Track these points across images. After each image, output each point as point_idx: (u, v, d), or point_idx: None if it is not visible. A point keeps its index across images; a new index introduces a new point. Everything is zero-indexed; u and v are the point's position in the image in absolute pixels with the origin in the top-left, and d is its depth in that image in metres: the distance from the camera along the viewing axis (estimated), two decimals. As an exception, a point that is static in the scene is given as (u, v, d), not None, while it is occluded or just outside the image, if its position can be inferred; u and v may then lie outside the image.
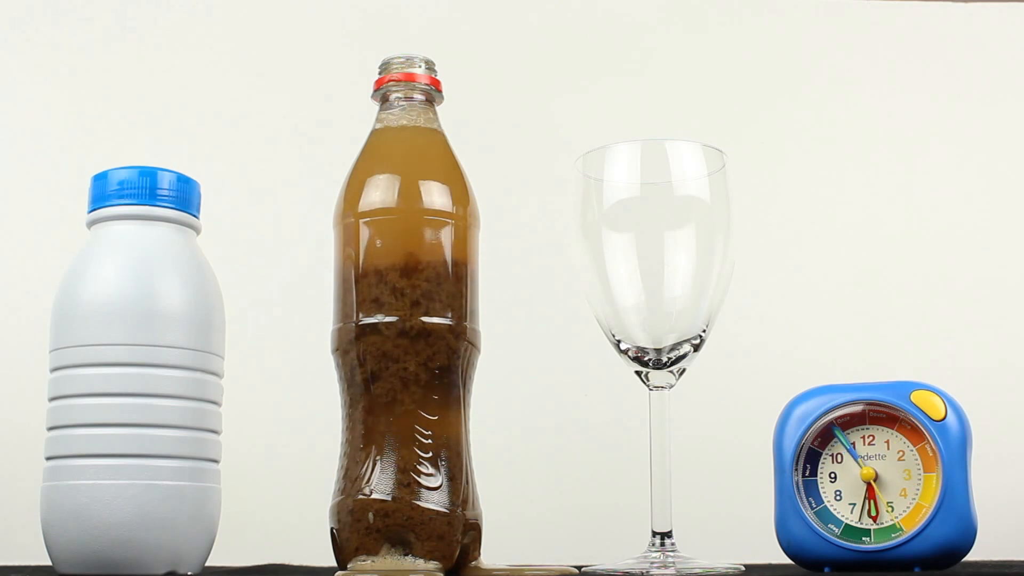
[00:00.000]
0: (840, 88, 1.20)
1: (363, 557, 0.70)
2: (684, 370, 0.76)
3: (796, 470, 0.75)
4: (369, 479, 0.70)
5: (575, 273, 0.77)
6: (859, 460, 0.75)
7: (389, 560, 0.69)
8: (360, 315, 0.73)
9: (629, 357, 0.76)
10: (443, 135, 0.77)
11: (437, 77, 0.77)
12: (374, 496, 0.70)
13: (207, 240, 0.78)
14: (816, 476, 0.75)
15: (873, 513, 0.74)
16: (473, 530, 0.73)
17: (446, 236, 0.74)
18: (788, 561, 0.76)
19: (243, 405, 0.86)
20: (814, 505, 0.75)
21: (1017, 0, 1.23)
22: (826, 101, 1.20)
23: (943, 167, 1.20)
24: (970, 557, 0.74)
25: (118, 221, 0.74)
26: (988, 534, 0.79)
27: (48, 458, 0.72)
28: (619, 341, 0.76)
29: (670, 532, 0.75)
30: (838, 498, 0.75)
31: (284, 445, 1.08)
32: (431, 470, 0.71)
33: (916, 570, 0.72)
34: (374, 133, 0.77)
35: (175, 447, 0.71)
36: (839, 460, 0.75)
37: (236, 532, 0.83)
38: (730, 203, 0.76)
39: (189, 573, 0.72)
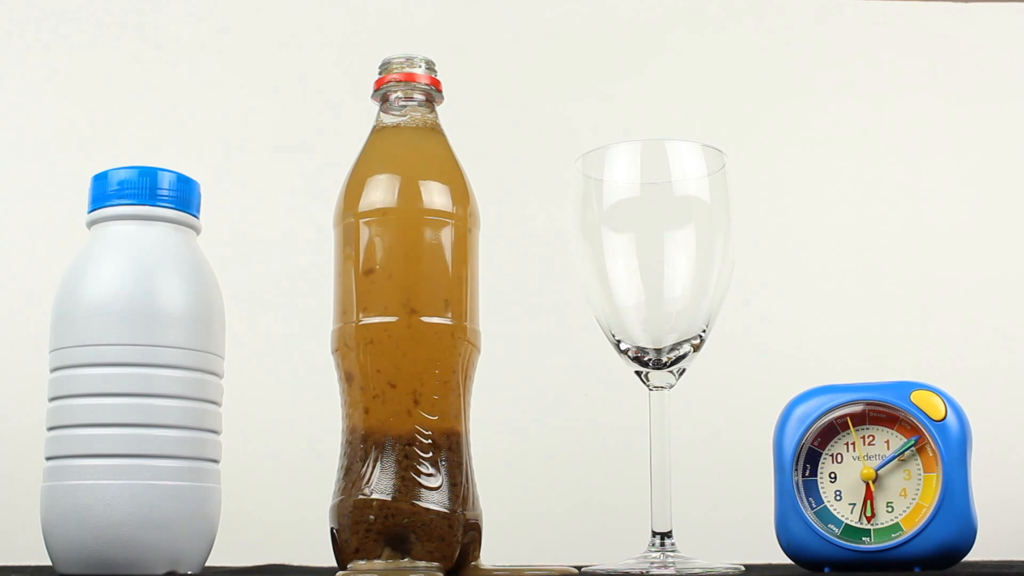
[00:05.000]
0: (840, 88, 1.20)
1: (363, 558, 0.70)
2: (684, 370, 0.76)
3: (796, 470, 0.75)
4: (369, 479, 0.70)
5: (575, 273, 0.77)
6: (859, 459, 0.75)
7: (389, 561, 0.69)
8: (360, 315, 0.73)
9: (629, 357, 0.76)
10: (443, 135, 0.77)
11: (437, 77, 0.77)
12: (374, 496, 0.70)
13: (207, 240, 0.78)
14: (816, 476, 0.75)
15: (869, 513, 0.74)
16: (473, 530, 0.73)
17: (446, 236, 0.74)
18: (788, 561, 0.76)
19: (243, 405, 0.86)
20: (814, 505, 0.75)
21: (1017, 0, 1.23)
22: (826, 101, 1.20)
23: (943, 167, 1.20)
24: (970, 557, 0.74)
25: (118, 221, 0.74)
26: (988, 534, 0.79)
27: (48, 458, 0.72)
28: (619, 341, 0.76)
29: (670, 532, 0.75)
30: (838, 498, 0.75)
31: (284, 445, 1.08)
32: (431, 470, 0.71)
33: (916, 570, 0.72)
34: (374, 133, 0.77)
35: (175, 447, 0.71)
36: (839, 460, 0.75)
37: (236, 532, 0.83)
38: (730, 203, 0.76)
39: (189, 573, 0.72)
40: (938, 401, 0.73)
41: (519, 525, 1.04)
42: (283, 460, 1.08)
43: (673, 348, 0.75)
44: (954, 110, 1.20)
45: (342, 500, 0.71)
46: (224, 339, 0.76)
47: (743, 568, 0.74)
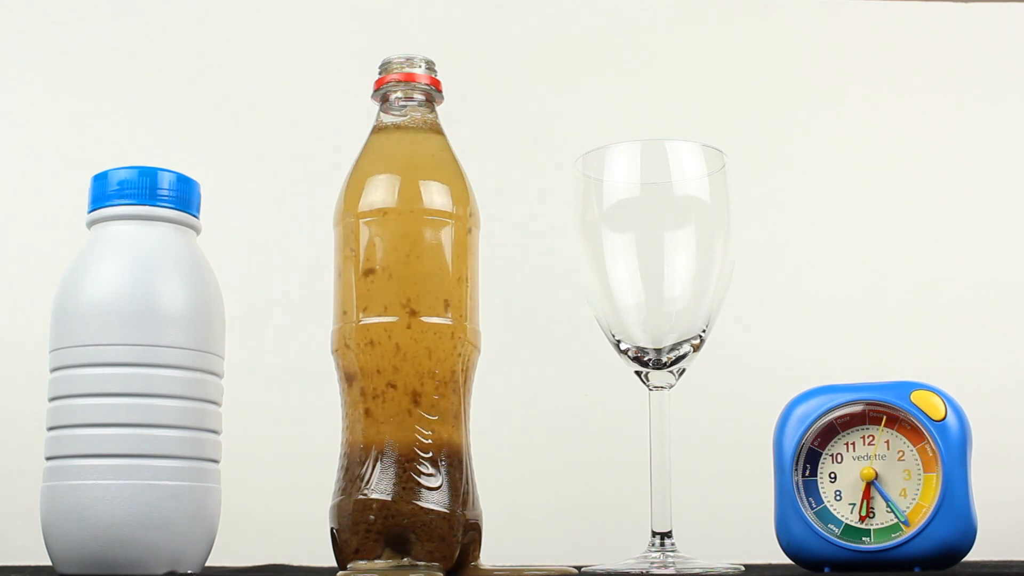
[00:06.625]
0: (840, 88, 1.20)
1: (363, 558, 0.70)
2: (684, 370, 0.76)
3: (796, 470, 0.75)
4: (369, 480, 0.70)
5: (575, 273, 0.77)
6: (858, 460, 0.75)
7: (389, 561, 0.69)
8: (360, 315, 0.73)
9: (629, 357, 0.76)
10: (443, 135, 0.77)
11: (437, 77, 0.77)
12: (374, 497, 0.70)
13: (207, 240, 0.78)
14: (816, 476, 0.75)
15: (863, 513, 0.74)
16: (473, 530, 0.73)
17: (446, 236, 0.74)
18: (788, 561, 0.76)
19: (243, 405, 0.85)
20: (814, 505, 0.75)
21: (1017, 0, 1.23)
22: (826, 101, 1.20)
23: (943, 167, 1.20)
24: (970, 557, 0.74)
25: (118, 221, 0.74)
26: (988, 534, 0.79)
27: (48, 458, 0.72)
28: (619, 341, 0.76)
29: (670, 532, 0.75)
30: (838, 498, 0.75)
31: (284, 445, 1.08)
32: (431, 470, 0.71)
33: (916, 570, 0.72)
34: (374, 133, 0.77)
35: (175, 447, 0.71)
36: (839, 460, 0.75)
37: (236, 532, 0.83)
38: (730, 203, 0.76)
39: (189, 573, 0.72)
40: (938, 401, 0.73)
41: (519, 525, 1.04)
42: (283, 460, 1.08)
43: (673, 348, 0.75)
44: (954, 110, 1.20)
45: (342, 500, 0.71)
46: (224, 339, 0.76)
47: (743, 568, 0.74)
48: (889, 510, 0.73)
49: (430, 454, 0.71)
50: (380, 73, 0.77)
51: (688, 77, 1.19)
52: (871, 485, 0.74)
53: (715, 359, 0.86)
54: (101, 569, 0.69)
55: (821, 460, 0.76)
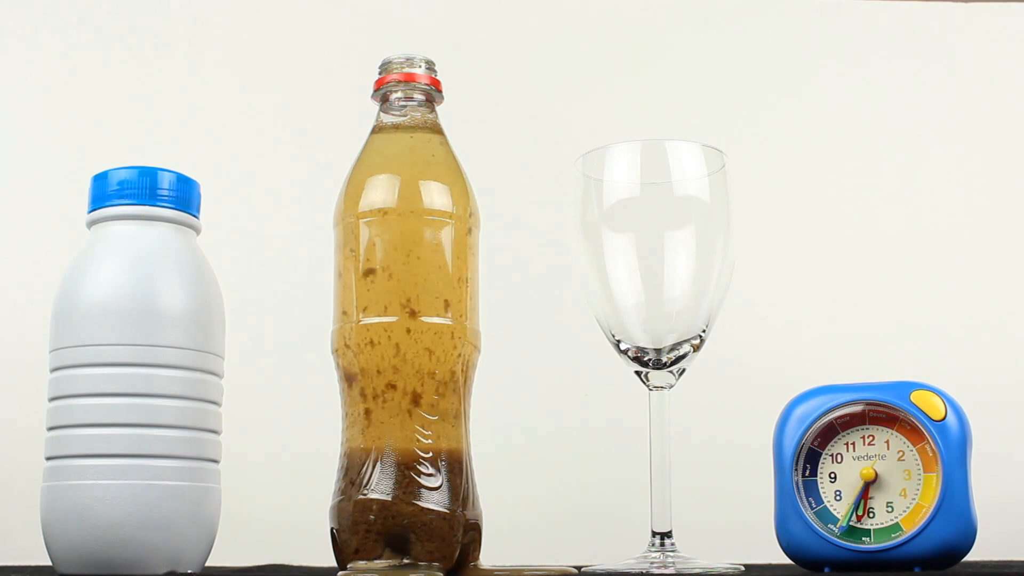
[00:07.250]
0: (840, 88, 1.20)
1: (363, 558, 0.70)
2: (684, 370, 0.76)
3: (796, 470, 0.75)
4: (369, 480, 0.70)
5: (575, 273, 0.77)
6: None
7: (389, 561, 0.69)
8: (360, 315, 0.73)
9: (629, 357, 0.76)
10: (443, 135, 0.77)
11: (437, 77, 0.77)
12: (374, 497, 0.70)
13: (207, 240, 0.78)
14: (816, 476, 0.75)
15: (860, 513, 0.74)
16: (473, 530, 0.73)
17: (446, 236, 0.74)
18: (788, 561, 0.76)
19: (243, 405, 0.86)
20: (814, 505, 0.75)
21: (1017, 0, 1.23)
22: (826, 101, 1.20)
23: (943, 167, 1.20)
24: (970, 557, 0.74)
25: (118, 221, 0.74)
26: (988, 534, 0.79)
27: (48, 458, 0.72)
28: (619, 341, 0.76)
29: (670, 532, 0.75)
30: (838, 498, 0.75)
31: (284, 445, 1.08)
32: (431, 470, 0.71)
33: (916, 570, 0.72)
34: (374, 133, 0.77)
35: (175, 447, 0.71)
36: (839, 460, 0.75)
37: (236, 532, 0.83)
38: (730, 203, 0.76)
39: (189, 572, 0.72)
40: (938, 401, 0.73)
41: (519, 525, 1.04)
42: (283, 460, 1.08)
43: (673, 348, 0.75)
44: (954, 110, 1.20)
45: (342, 500, 0.71)
46: (224, 339, 0.76)
47: (743, 568, 0.74)
48: (890, 509, 0.73)
49: (430, 454, 0.71)
50: (380, 73, 0.77)
51: (688, 77, 1.19)
52: (868, 486, 0.74)
53: (715, 359, 0.86)
54: (101, 569, 0.69)
55: (821, 460, 0.76)
